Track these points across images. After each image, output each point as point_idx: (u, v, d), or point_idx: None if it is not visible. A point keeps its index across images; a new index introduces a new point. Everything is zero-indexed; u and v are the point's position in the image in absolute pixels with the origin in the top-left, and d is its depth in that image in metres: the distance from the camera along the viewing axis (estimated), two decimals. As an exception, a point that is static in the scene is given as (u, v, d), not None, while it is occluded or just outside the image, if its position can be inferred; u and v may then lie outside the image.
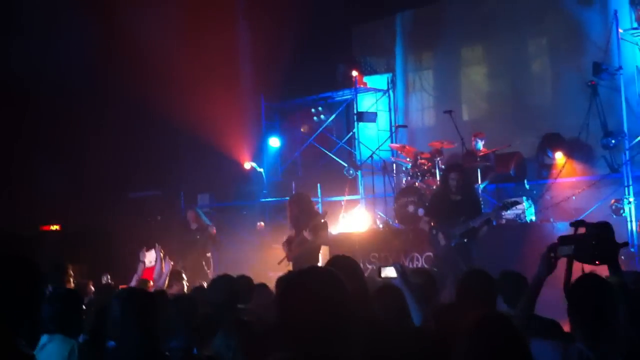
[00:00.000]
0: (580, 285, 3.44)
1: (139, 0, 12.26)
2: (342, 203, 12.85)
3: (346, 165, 13.16)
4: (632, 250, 9.58)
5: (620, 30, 10.80)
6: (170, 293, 6.74)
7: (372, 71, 14.52)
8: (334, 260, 4.15)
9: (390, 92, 14.21)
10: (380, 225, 11.80)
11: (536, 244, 7.51)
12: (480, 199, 9.55)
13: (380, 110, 13.86)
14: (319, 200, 12.83)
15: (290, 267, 9.14)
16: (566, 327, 3.92)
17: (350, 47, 14.99)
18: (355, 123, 13.45)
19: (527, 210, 10.09)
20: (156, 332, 3.90)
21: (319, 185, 12.91)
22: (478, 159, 10.78)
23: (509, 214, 9.72)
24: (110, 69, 12.44)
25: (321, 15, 13.21)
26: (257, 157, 14.27)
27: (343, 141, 14.03)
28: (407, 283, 4.38)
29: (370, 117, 13.22)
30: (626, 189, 10.37)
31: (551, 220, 10.11)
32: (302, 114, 14.98)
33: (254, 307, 5.55)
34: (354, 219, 12.42)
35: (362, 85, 13.72)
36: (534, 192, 10.97)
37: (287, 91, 14.21)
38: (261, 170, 13.93)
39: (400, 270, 4.42)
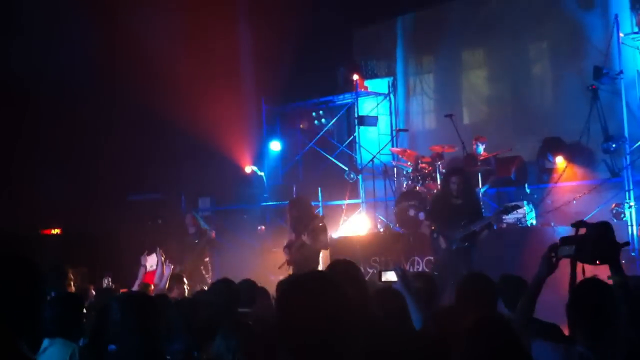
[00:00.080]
0: (582, 288, 3.44)
1: (140, 4, 12.27)
2: (343, 207, 12.85)
3: (347, 169, 13.16)
4: (632, 254, 9.58)
5: (621, 35, 10.81)
6: (171, 297, 6.73)
7: (373, 75, 14.53)
8: (334, 264, 4.16)
9: (391, 95, 14.21)
10: (381, 229, 11.80)
11: (537, 248, 7.51)
12: (481, 202, 9.55)
13: (381, 114, 13.86)
14: (320, 204, 12.83)
15: (291, 271, 9.15)
16: (566, 331, 3.92)
17: (351, 51, 15.00)
18: (356, 127, 13.45)
19: (527, 214, 10.09)
20: (157, 336, 3.90)
21: (319, 189, 12.91)
22: (479, 163, 10.78)
23: (509, 218, 9.72)
24: (112, 73, 12.46)
25: (322, 19, 13.23)
26: (258, 160, 14.27)
27: (344, 145, 14.03)
28: (407, 287, 4.38)
29: (371, 121, 13.22)
30: (627, 193, 10.37)
31: (552, 224, 10.12)
32: (303, 117, 14.98)
33: (257, 310, 5.56)
34: (354, 223, 12.42)
35: (363, 89, 13.73)
36: (535, 196, 10.97)
37: (288, 95, 14.22)
38: (262, 174, 13.94)
39: (401, 274, 4.42)
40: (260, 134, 14.56)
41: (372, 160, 12.52)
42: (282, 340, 2.38)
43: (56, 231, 12.88)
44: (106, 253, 11.71)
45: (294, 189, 13.32)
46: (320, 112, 14.62)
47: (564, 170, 11.05)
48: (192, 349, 4.28)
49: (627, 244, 3.78)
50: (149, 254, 11.01)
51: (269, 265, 11.20)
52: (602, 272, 3.53)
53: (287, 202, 10.66)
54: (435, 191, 10.33)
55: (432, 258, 9.26)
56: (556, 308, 3.87)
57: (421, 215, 10.20)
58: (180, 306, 4.95)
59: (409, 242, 10.25)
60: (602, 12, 11.64)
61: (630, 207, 10.17)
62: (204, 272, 10.76)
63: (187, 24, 12.84)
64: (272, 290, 5.85)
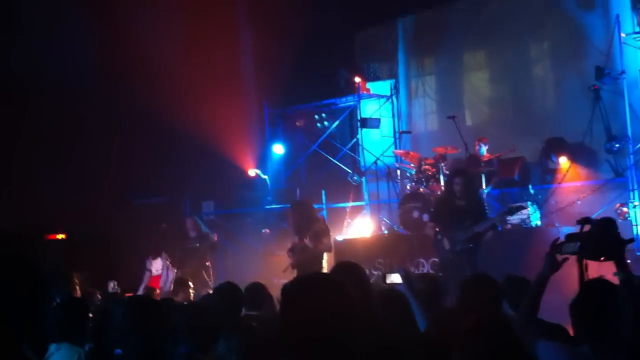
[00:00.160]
0: (588, 289, 3.44)
1: (142, 7, 12.30)
2: (347, 209, 12.85)
3: (350, 171, 13.18)
4: (638, 254, 9.56)
5: (623, 35, 10.81)
6: (176, 300, 6.75)
7: (375, 77, 14.56)
8: (339, 267, 4.17)
9: (394, 97, 14.22)
10: (385, 231, 11.81)
11: (541, 249, 7.47)
12: (485, 204, 9.56)
13: (383, 116, 13.87)
14: (324, 206, 12.84)
15: (295, 274, 9.17)
16: (570, 331, 3.92)
17: (353, 54, 15.02)
18: (359, 129, 13.46)
19: (532, 215, 10.08)
20: (162, 339, 3.92)
21: (323, 191, 12.93)
22: (482, 164, 10.79)
23: (514, 218, 9.71)
24: (115, 77, 12.48)
25: (323, 21, 13.24)
26: (261, 164, 14.28)
27: (347, 147, 14.05)
28: (412, 289, 4.39)
29: (374, 123, 13.23)
30: (631, 193, 10.36)
31: (556, 224, 10.11)
32: (305, 120, 14.99)
33: (265, 313, 5.58)
34: (358, 225, 12.43)
35: (365, 92, 13.74)
36: (539, 196, 10.96)
37: (290, 98, 14.23)
38: (265, 177, 13.95)
39: (405, 276, 4.43)
40: (263, 137, 14.57)
41: (375, 162, 12.52)
42: (285, 341, 2.40)
43: (61, 236, 12.90)
44: (111, 257, 11.73)
45: (298, 192, 13.33)
46: (323, 114, 14.64)
47: (567, 171, 11.04)
48: (196, 352, 4.29)
49: (632, 240, 3.78)
50: (154, 258, 11.05)
51: (273, 268, 11.21)
52: (607, 270, 3.53)
53: (289, 205, 10.68)
54: (438, 193, 10.34)
55: (436, 259, 9.27)
56: (559, 308, 3.87)
57: (425, 217, 10.21)
58: (186, 310, 4.96)
59: (413, 244, 10.26)
60: (603, 13, 11.64)
61: (634, 206, 10.16)
62: (205, 276, 10.77)
63: (189, 27, 12.86)
64: (276, 293, 5.87)
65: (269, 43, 13.11)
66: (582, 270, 3.54)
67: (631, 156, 10.55)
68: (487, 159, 10.98)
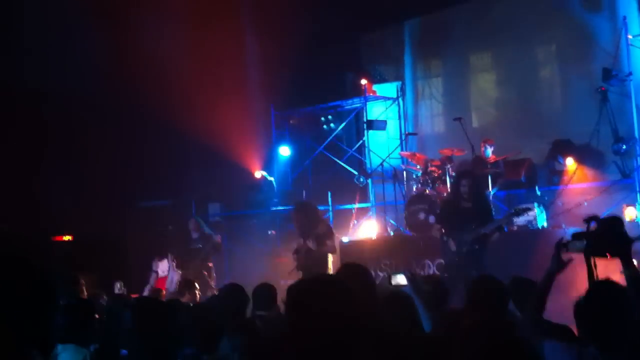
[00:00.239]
0: (596, 290, 3.43)
1: (147, 10, 12.33)
2: (353, 211, 12.85)
3: (356, 173, 13.17)
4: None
5: (630, 36, 10.79)
6: (182, 301, 6.76)
7: (382, 79, 14.55)
8: (344, 268, 4.18)
9: (400, 100, 14.22)
10: (391, 233, 11.80)
11: (548, 250, 7.46)
12: (492, 205, 9.55)
13: (390, 118, 13.87)
14: (330, 208, 12.85)
15: (301, 276, 9.17)
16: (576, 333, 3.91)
17: (359, 56, 15.03)
18: (365, 131, 13.47)
19: (538, 216, 10.07)
20: (168, 340, 3.93)
21: (329, 193, 12.93)
22: (488, 166, 10.78)
23: (520, 220, 9.69)
24: (122, 82, 12.51)
25: (329, 24, 13.25)
26: (268, 166, 14.30)
27: (353, 149, 14.05)
28: (417, 290, 4.39)
29: (380, 125, 13.23)
30: (638, 194, 10.32)
31: (563, 226, 10.08)
32: (312, 122, 15.00)
33: (272, 314, 5.60)
34: (364, 227, 12.42)
35: (371, 94, 13.74)
36: (545, 198, 10.94)
37: (296, 100, 14.25)
38: (272, 179, 13.96)
39: (411, 277, 4.43)
40: (269, 139, 14.59)
41: (381, 164, 12.52)
42: (291, 342, 2.40)
43: (67, 238, 12.93)
44: (117, 259, 11.76)
45: (304, 193, 13.34)
46: (329, 117, 14.64)
47: (574, 172, 11.02)
48: (201, 353, 4.31)
49: (639, 238, 3.76)
50: (160, 259, 11.08)
51: (279, 270, 11.21)
52: (613, 271, 3.51)
53: (293, 207, 10.69)
54: (445, 194, 10.33)
55: (442, 261, 9.26)
56: (564, 310, 3.85)
57: (431, 219, 10.20)
58: (192, 311, 4.97)
59: (420, 246, 10.25)
60: (609, 14, 11.61)
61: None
62: (207, 277, 10.77)
63: (196, 31, 12.88)
64: (282, 294, 5.87)
65: (275, 46, 13.11)
66: (591, 269, 3.52)
67: (638, 157, 10.53)
68: (493, 160, 10.97)
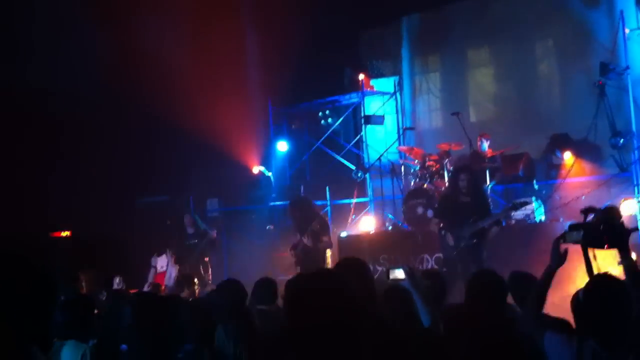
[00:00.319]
0: (595, 285, 3.43)
1: (147, 7, 12.31)
2: (351, 206, 12.86)
3: (354, 168, 13.18)
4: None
5: (627, 31, 10.79)
6: (181, 297, 6.78)
7: (379, 74, 14.54)
8: (343, 262, 4.18)
9: (398, 94, 14.22)
10: (389, 228, 11.81)
11: (546, 244, 7.48)
12: (490, 199, 9.56)
13: (387, 113, 13.88)
14: (328, 203, 12.85)
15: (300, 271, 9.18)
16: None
17: (357, 51, 15.02)
18: (363, 126, 13.47)
19: (536, 210, 10.08)
20: (168, 336, 3.94)
21: (327, 188, 12.93)
22: (486, 160, 10.79)
23: (518, 214, 9.71)
24: (121, 78, 12.50)
25: (327, 19, 13.24)
26: (266, 161, 14.31)
27: (351, 144, 14.05)
28: (415, 284, 4.40)
29: (378, 120, 13.23)
30: (635, 188, 10.34)
31: (561, 220, 10.10)
32: (309, 118, 15.01)
33: (273, 308, 5.63)
34: (363, 222, 12.44)
35: (369, 89, 13.74)
36: (543, 192, 10.96)
37: (294, 95, 14.24)
38: (270, 174, 13.97)
39: (409, 271, 4.44)
40: (267, 134, 14.59)
41: (379, 159, 12.53)
42: (290, 335, 2.41)
43: (66, 234, 12.93)
44: (116, 255, 11.76)
45: (302, 188, 13.34)
46: (327, 112, 14.64)
47: (572, 166, 11.03)
48: (200, 347, 4.32)
49: (636, 229, 3.77)
50: (159, 255, 11.08)
51: (278, 265, 11.23)
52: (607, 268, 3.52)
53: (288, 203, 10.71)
54: (443, 189, 10.34)
55: (441, 255, 9.27)
56: (562, 302, 3.86)
57: (429, 213, 10.22)
58: (191, 307, 4.98)
59: (418, 240, 10.27)
60: (607, 9, 11.62)
61: (639, 201, 10.14)
62: (203, 272, 10.77)
63: (194, 26, 12.87)
64: (282, 289, 5.90)
65: (274, 42, 13.11)
66: (589, 260, 3.53)
67: (636, 151, 10.53)
68: (490, 155, 10.98)
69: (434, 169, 10.92)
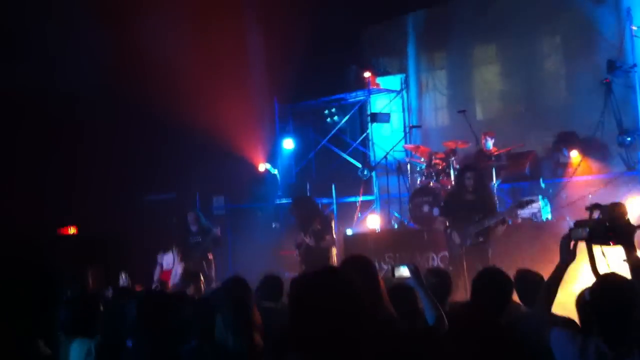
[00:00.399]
0: (602, 285, 3.42)
1: (151, 5, 12.31)
2: (357, 204, 12.86)
3: (360, 166, 13.17)
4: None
5: (634, 28, 10.75)
6: (187, 294, 6.78)
7: (385, 72, 14.52)
8: (348, 260, 4.18)
9: (404, 92, 14.20)
10: (395, 226, 11.80)
11: (552, 243, 7.48)
12: (496, 198, 9.54)
13: (393, 110, 13.85)
14: (334, 201, 12.85)
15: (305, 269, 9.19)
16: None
17: (363, 49, 15.00)
18: (369, 124, 13.45)
19: (542, 209, 10.06)
20: (171, 333, 3.94)
21: (333, 186, 12.93)
22: (492, 158, 10.77)
23: (524, 212, 9.69)
24: (126, 76, 12.51)
25: (333, 17, 13.22)
26: (272, 158, 14.31)
27: (357, 142, 14.04)
28: (420, 283, 4.39)
29: (384, 117, 13.22)
30: (642, 186, 10.31)
31: (567, 218, 10.07)
32: (315, 115, 15.00)
33: (278, 305, 5.62)
34: (368, 220, 12.43)
35: (375, 86, 13.72)
36: (550, 190, 10.93)
37: (300, 93, 14.23)
38: (276, 172, 13.97)
39: (414, 270, 4.43)
40: (273, 132, 14.59)
41: (385, 157, 12.52)
42: (295, 333, 2.41)
43: (72, 231, 12.96)
44: (122, 252, 11.78)
45: (308, 186, 13.35)
46: (333, 109, 14.63)
47: (578, 165, 11.00)
48: (203, 344, 4.32)
49: None
50: (165, 252, 11.09)
51: (283, 263, 11.24)
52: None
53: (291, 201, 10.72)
54: (449, 187, 10.33)
55: (446, 254, 9.27)
56: (564, 303, 3.86)
57: (435, 211, 10.20)
58: (196, 304, 4.98)
59: (423, 238, 10.26)
60: (614, 6, 11.57)
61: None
62: (207, 269, 10.78)
63: (199, 24, 12.87)
64: (287, 287, 5.89)
65: (279, 38, 13.09)
66: (592, 256, 3.51)
67: (643, 149, 10.51)
68: (496, 153, 10.96)
69: (440, 167, 10.90)
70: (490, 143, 11.08)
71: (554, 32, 12.83)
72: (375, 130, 13.59)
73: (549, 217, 10.18)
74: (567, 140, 11.53)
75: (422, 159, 11.44)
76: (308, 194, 12.57)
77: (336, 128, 14.22)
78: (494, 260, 7.97)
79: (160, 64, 12.05)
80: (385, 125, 13.56)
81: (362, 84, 13.60)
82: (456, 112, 11.41)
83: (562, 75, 12.81)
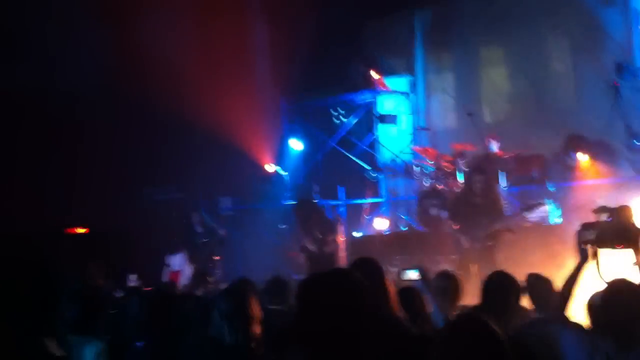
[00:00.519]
0: (612, 290, 3.41)
1: (157, 4, 12.33)
2: (365, 206, 12.84)
3: (368, 167, 13.15)
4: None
5: (643, 30, 10.72)
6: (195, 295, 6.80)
7: (392, 72, 14.47)
8: (356, 263, 4.18)
9: (411, 94, 14.16)
10: (403, 228, 11.79)
11: (560, 246, 7.47)
12: (504, 201, 9.52)
13: (401, 112, 13.82)
14: (342, 202, 12.83)
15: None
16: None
17: (370, 49, 14.96)
18: (377, 125, 13.43)
19: (551, 212, 10.02)
20: (181, 333, 3.95)
21: (341, 188, 12.91)
22: (500, 161, 10.74)
23: (533, 216, 9.65)
24: (130, 73, 12.52)
25: (339, 16, 13.22)
26: (280, 159, 14.29)
27: (366, 144, 14.00)
28: (428, 286, 4.39)
29: (391, 119, 13.20)
30: (651, 190, 10.25)
31: (576, 222, 10.02)
32: (322, 115, 14.95)
33: (285, 308, 5.62)
34: (376, 222, 12.42)
35: (382, 87, 13.69)
36: (558, 194, 10.88)
37: (306, 92, 14.21)
38: (285, 173, 13.95)
39: (423, 273, 4.43)
40: (280, 132, 14.57)
41: (393, 159, 12.50)
42: (301, 335, 2.41)
43: (81, 230, 13.00)
44: (130, 252, 11.81)
45: (316, 187, 13.33)
46: (340, 110, 14.60)
47: (587, 168, 10.95)
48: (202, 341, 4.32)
49: None
50: (174, 253, 11.12)
51: (291, 265, 11.23)
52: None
53: (310, 200, 10.69)
54: (457, 190, 10.31)
55: (455, 257, 9.25)
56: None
57: (443, 214, 10.19)
58: (202, 305, 5.00)
59: (431, 241, 10.24)
60: (622, 7, 11.53)
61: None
62: (212, 270, 10.78)
63: (204, 22, 12.87)
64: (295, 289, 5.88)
65: (285, 38, 13.09)
66: (597, 260, 3.50)
67: (651, 153, 10.46)
68: (503, 156, 10.93)
69: (448, 169, 10.89)
70: (494, 146, 11.05)
71: (562, 34, 12.79)
72: (383, 132, 13.56)
73: (557, 220, 10.14)
74: (575, 143, 11.48)
75: (431, 162, 11.42)
76: (316, 195, 12.54)
77: (344, 129, 14.18)
78: (503, 264, 7.94)
79: (164, 63, 12.05)
80: (393, 126, 13.53)
81: (370, 85, 13.57)
82: (464, 114, 11.39)
83: (570, 77, 12.77)
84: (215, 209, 13.45)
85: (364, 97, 13.95)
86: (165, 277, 10.91)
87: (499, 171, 10.57)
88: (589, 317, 3.55)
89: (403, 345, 3.50)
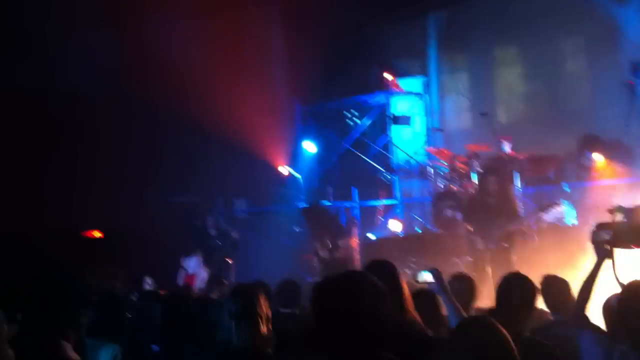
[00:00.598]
0: (628, 292, 3.39)
1: (172, 5, 12.37)
2: (379, 207, 12.82)
3: (382, 169, 13.13)
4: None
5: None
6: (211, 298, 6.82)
7: (406, 74, 14.46)
8: (371, 265, 4.18)
9: (425, 95, 14.14)
10: (418, 230, 11.76)
11: (576, 247, 7.44)
12: (519, 202, 9.48)
13: (415, 113, 13.80)
14: (356, 204, 12.82)
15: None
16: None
17: (384, 51, 14.95)
18: (391, 127, 13.41)
19: (567, 213, 9.96)
20: (196, 336, 3.97)
21: (356, 190, 12.90)
22: (515, 162, 10.71)
23: (549, 217, 9.60)
24: (149, 78, 12.57)
25: (354, 18, 13.23)
26: (294, 162, 14.30)
27: (380, 146, 13.98)
28: (444, 288, 4.38)
29: (405, 120, 13.18)
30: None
31: (591, 223, 9.95)
32: (335, 117, 14.96)
33: (297, 311, 5.62)
34: (391, 224, 12.40)
35: (396, 88, 13.68)
36: (574, 194, 10.83)
37: (320, 94, 14.22)
38: (299, 176, 13.97)
39: (438, 275, 4.42)
40: (294, 135, 14.59)
41: (407, 160, 12.48)
42: (317, 338, 2.41)
43: (98, 234, 13.07)
44: (146, 255, 11.85)
45: (330, 190, 13.32)
46: (354, 112, 14.60)
47: (603, 168, 10.89)
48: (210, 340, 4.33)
49: None
50: (190, 256, 11.15)
51: (306, 268, 11.23)
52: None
53: (324, 202, 10.69)
54: (472, 191, 10.28)
55: (470, 259, 9.22)
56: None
57: (459, 216, 10.16)
58: (218, 307, 5.01)
59: (447, 243, 10.21)
60: (637, 7, 11.46)
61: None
62: (225, 273, 10.80)
63: (220, 26, 12.90)
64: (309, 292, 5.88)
65: (300, 40, 13.10)
66: (613, 260, 3.48)
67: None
68: (518, 157, 10.89)
69: (462, 171, 10.86)
70: (506, 147, 11.00)
71: (576, 34, 12.73)
72: (397, 133, 13.55)
73: (573, 221, 10.08)
74: (591, 143, 11.42)
75: (446, 163, 11.40)
76: (329, 198, 12.52)
77: (359, 131, 14.18)
78: (518, 266, 7.91)
79: (183, 68, 12.09)
80: (407, 128, 13.52)
81: (384, 86, 13.56)
82: (478, 114, 11.36)
83: (585, 77, 12.71)
84: (230, 211, 13.48)
85: (377, 98, 13.95)
86: (181, 280, 10.95)
87: (514, 172, 10.52)
88: (605, 319, 3.53)
89: (419, 348, 3.49)
